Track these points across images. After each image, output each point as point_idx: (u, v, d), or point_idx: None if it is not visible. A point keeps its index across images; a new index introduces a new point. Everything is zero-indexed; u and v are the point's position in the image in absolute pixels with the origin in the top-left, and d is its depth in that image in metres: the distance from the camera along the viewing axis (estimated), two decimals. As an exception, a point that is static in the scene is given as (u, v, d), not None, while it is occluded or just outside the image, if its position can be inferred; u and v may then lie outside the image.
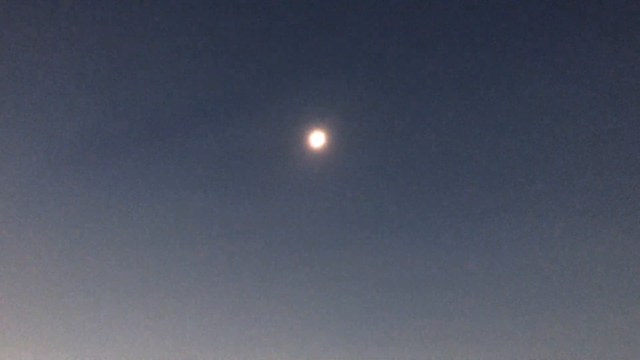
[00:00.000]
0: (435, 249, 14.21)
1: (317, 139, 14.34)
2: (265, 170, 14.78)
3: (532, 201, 14.05)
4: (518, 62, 14.30)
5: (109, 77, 14.60)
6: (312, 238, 14.66)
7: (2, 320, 13.59)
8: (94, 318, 13.89)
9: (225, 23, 14.69)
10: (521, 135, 14.29)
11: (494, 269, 13.81)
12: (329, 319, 14.00)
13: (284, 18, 14.69)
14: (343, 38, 14.73)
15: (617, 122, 13.64)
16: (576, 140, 13.93)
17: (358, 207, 14.63)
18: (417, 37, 14.65)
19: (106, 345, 13.54)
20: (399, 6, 14.48)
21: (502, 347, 12.97)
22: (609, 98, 13.75)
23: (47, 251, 14.36)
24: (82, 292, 14.09)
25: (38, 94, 14.35)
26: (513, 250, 13.89)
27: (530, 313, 13.29)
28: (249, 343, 13.77)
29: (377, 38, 14.69)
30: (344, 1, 14.55)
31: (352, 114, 14.54)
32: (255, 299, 14.31)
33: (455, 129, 14.55)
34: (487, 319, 13.44)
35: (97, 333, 13.73)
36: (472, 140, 14.52)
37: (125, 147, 14.90)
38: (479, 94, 14.40)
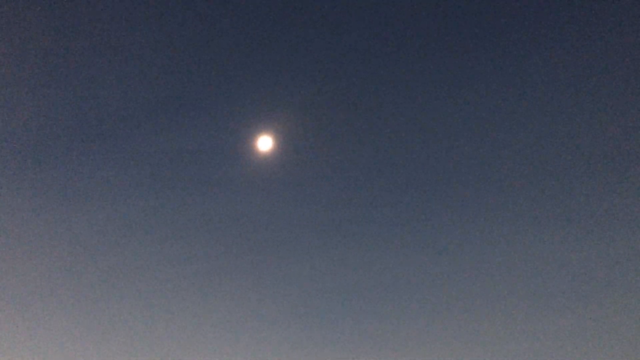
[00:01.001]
0: (384, 251, 13.99)
1: (265, 143, 13.90)
2: (211, 173, 14.30)
3: (491, 203, 13.93)
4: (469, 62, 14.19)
5: (40, 76, 13.87)
6: (259, 243, 14.26)
7: None
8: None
9: (169, 19, 14.15)
10: (477, 136, 14.17)
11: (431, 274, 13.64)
12: (279, 326, 13.66)
13: (231, 16, 14.25)
14: (294, 39, 14.39)
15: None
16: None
17: (307, 211, 14.28)
18: (370, 35, 14.39)
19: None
20: (349, 5, 14.20)
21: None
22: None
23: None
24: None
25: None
26: (457, 253, 13.75)
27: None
28: (177, 348, 13.27)
29: (329, 38, 14.38)
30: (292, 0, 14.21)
31: (302, 118, 14.20)
32: (200, 305, 13.82)
33: (406, 130, 14.31)
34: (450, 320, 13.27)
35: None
36: (424, 140, 14.31)
37: (62, 149, 14.19)
38: (433, 92, 14.22)
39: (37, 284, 13.52)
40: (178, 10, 14.21)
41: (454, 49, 14.34)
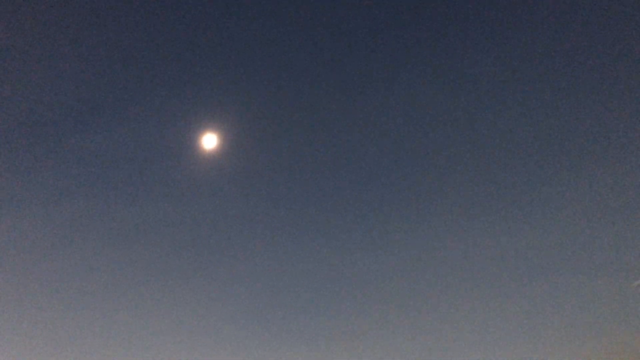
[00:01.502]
0: (327, 247, 14.26)
1: (210, 141, 13.96)
2: (155, 172, 14.16)
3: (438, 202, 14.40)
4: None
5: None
6: (204, 240, 14.22)
7: None
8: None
9: (109, 15, 13.97)
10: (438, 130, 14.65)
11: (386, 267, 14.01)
12: (224, 327, 13.61)
13: (173, 13, 14.23)
14: (239, 38, 14.49)
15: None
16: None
17: (253, 207, 14.38)
18: (313, 34, 14.69)
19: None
20: (292, 4, 14.45)
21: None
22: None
23: None
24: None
25: None
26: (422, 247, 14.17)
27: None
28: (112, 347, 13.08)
29: (272, 38, 14.58)
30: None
31: (246, 115, 14.31)
32: (140, 306, 13.64)
33: (351, 126, 14.68)
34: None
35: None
36: (368, 134, 14.70)
37: (4, 145, 13.74)
38: (377, 90, 14.63)
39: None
40: (120, 6, 14.05)
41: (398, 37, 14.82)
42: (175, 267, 14.14)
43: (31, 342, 12.86)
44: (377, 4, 14.71)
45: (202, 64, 14.31)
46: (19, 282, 13.27)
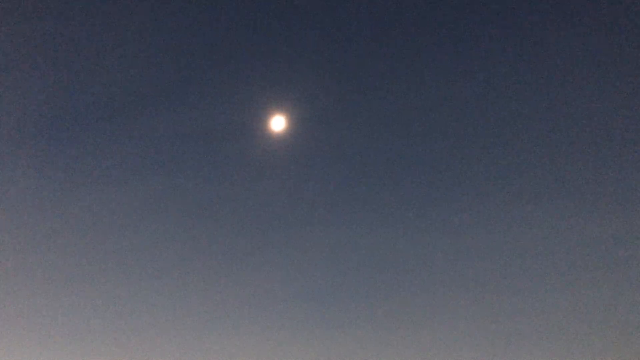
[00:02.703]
0: (398, 232, 14.17)
1: (278, 123, 14.03)
2: (225, 153, 14.47)
3: (513, 197, 14.07)
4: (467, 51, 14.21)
5: (52, 56, 14.01)
6: (272, 222, 14.44)
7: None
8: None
9: (183, 3, 14.20)
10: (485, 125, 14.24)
11: (452, 251, 13.81)
12: (293, 305, 13.87)
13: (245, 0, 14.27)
14: (307, 22, 14.42)
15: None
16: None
17: (319, 192, 14.45)
18: (383, 20, 14.41)
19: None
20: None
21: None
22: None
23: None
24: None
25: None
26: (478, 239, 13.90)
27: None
28: (208, 332, 13.53)
29: (340, 21, 14.41)
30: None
31: (314, 99, 14.30)
32: (216, 284, 14.06)
33: (421, 113, 14.42)
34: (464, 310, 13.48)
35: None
36: (438, 126, 14.41)
37: (79, 128, 14.36)
38: (446, 82, 14.29)
39: (54, 260, 13.80)
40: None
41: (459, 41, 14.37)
42: (240, 246, 14.44)
43: (114, 309, 13.54)
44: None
45: (274, 46, 14.32)
46: (91, 262, 13.92)
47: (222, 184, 14.49)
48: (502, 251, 13.68)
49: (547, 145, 14.05)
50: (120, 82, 14.44)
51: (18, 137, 14.10)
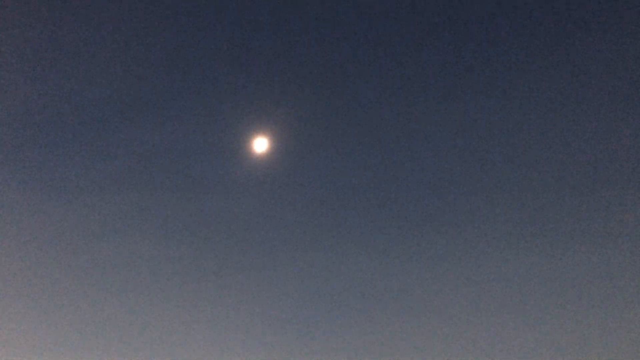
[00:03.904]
0: (379, 258, 14.02)
1: (261, 144, 13.87)
2: (205, 172, 14.25)
3: (489, 209, 13.98)
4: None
5: (34, 69, 13.74)
6: (251, 244, 14.21)
7: None
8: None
9: (167, 15, 14.07)
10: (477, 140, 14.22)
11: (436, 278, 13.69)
12: (268, 329, 13.61)
13: (228, 15, 14.19)
14: (291, 39, 14.36)
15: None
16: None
17: (302, 213, 14.28)
18: (368, 41, 14.40)
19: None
20: (347, 7, 14.19)
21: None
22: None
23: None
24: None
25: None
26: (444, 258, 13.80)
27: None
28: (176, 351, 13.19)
29: (325, 42, 14.38)
30: (289, 1, 14.17)
31: (298, 120, 14.17)
32: (185, 305, 13.73)
33: (408, 137, 14.34)
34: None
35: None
36: (421, 144, 14.34)
37: (47, 143, 14.05)
38: (431, 96, 14.25)
39: (23, 281, 13.40)
40: (176, 7, 14.14)
41: (452, 52, 14.41)
42: (218, 264, 14.19)
43: (88, 334, 13.17)
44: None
45: (258, 66, 14.21)
46: (71, 272, 13.57)
47: (201, 203, 14.25)
48: (491, 281, 13.60)
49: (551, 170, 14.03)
50: (103, 95, 14.21)
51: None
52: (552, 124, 13.95)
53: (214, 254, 14.03)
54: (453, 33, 14.18)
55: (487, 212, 13.92)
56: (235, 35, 14.26)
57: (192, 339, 13.30)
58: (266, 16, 14.28)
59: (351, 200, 14.29)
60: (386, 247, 13.99)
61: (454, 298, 13.54)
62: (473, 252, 13.81)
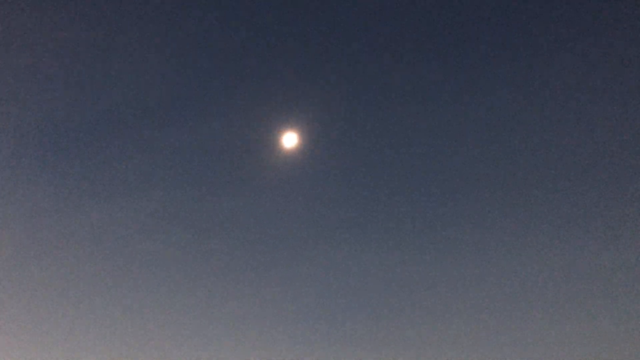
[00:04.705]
0: (410, 252, 13.95)
1: (290, 140, 13.96)
2: (236, 168, 14.40)
3: (522, 204, 13.84)
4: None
5: (70, 70, 14.09)
6: (281, 239, 14.30)
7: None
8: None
9: (199, 18, 14.28)
10: (501, 136, 14.08)
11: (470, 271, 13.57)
12: (299, 323, 13.68)
13: (258, 14, 14.33)
14: (320, 37, 14.43)
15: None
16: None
17: (330, 209, 14.31)
18: (397, 36, 14.38)
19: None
20: (376, 6, 14.21)
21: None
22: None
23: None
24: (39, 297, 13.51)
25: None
26: (499, 253, 13.65)
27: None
28: (213, 345, 13.35)
29: (353, 36, 14.40)
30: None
31: (327, 116, 14.22)
32: (222, 299, 13.89)
33: (433, 128, 14.28)
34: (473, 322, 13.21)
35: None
36: (450, 140, 14.26)
37: (89, 145, 14.38)
38: (457, 94, 14.17)
39: (53, 280, 13.74)
40: (205, 6, 14.35)
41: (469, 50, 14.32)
42: (248, 262, 14.29)
43: (116, 336, 13.41)
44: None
45: (287, 62, 14.31)
46: (101, 274, 13.82)
47: (232, 200, 14.40)
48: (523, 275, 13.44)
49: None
50: (134, 96, 14.49)
51: (26, 147, 14.15)
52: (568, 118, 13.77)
53: (245, 250, 14.18)
54: (477, 30, 14.09)
55: (513, 207, 13.79)
56: (264, 32, 14.40)
57: (224, 333, 13.46)
58: (295, 13, 14.40)
59: (381, 195, 14.29)
60: (417, 242, 13.94)
61: (480, 293, 13.43)
62: (499, 248, 13.69)
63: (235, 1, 14.37)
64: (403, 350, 13.08)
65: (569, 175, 13.63)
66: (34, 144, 14.21)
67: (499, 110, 14.08)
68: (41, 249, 13.87)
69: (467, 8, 14.18)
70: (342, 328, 13.57)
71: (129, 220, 14.27)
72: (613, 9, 13.41)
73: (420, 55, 14.33)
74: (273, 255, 14.12)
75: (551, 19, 13.75)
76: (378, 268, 14.00)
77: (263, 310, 13.67)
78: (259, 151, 14.11)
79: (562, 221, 13.52)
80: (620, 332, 12.36)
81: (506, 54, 14.03)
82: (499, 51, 14.03)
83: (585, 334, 12.52)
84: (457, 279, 13.68)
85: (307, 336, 13.51)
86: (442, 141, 14.29)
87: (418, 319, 13.46)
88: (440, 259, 13.92)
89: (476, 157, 14.08)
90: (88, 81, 14.26)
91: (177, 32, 14.34)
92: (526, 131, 13.99)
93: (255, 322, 13.67)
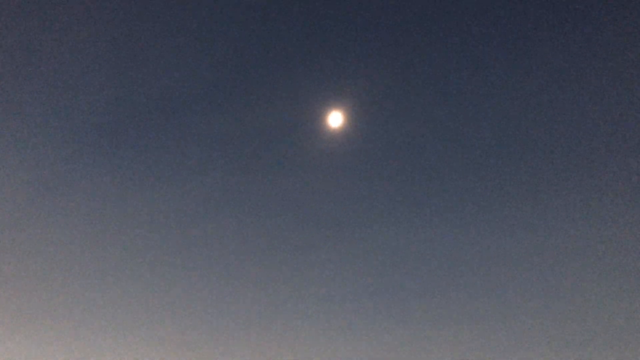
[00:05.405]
0: (455, 231, 13.84)
1: (335, 119, 14.07)
2: (283, 149, 14.65)
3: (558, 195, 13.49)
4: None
5: (117, 56, 14.66)
6: (330, 219, 14.50)
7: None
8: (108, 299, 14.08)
9: (242, 2, 14.50)
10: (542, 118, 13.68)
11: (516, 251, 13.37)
12: (348, 302, 13.86)
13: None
14: (364, 15, 14.35)
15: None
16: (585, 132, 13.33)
17: (377, 187, 14.35)
18: (442, 13, 14.13)
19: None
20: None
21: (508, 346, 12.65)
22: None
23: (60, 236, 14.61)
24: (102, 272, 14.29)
25: (41, 82, 14.54)
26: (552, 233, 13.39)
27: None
28: (264, 321, 13.76)
29: (399, 15, 14.25)
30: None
31: (372, 94, 14.21)
32: (272, 278, 14.26)
33: (479, 108, 14.02)
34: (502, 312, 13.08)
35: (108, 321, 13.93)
36: (499, 120, 13.97)
37: (136, 131, 14.96)
38: (504, 73, 13.82)
39: (115, 262, 14.49)
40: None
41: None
42: (297, 242, 14.56)
43: (178, 307, 14.01)
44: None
45: (331, 41, 14.34)
46: (155, 256, 14.38)
47: (280, 181, 14.70)
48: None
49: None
50: (183, 82, 14.94)
51: (81, 134, 14.88)
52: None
53: (294, 230, 14.48)
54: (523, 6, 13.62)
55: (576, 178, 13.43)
56: (308, 12, 14.47)
57: (285, 309, 13.87)
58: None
59: (426, 171, 14.22)
60: (465, 217, 13.82)
61: (534, 267, 13.21)
62: (556, 223, 13.38)
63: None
64: (456, 325, 13.11)
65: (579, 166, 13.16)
66: (91, 131, 14.95)
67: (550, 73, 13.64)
68: (103, 231, 14.65)
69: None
70: (396, 306, 13.68)
71: (184, 204, 14.83)
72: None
73: (473, 30, 14.04)
74: (322, 235, 14.38)
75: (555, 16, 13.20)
76: (430, 247, 13.99)
77: (316, 291, 13.98)
78: (305, 132, 14.31)
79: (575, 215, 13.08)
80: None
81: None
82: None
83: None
84: (512, 255, 13.52)
85: (358, 316, 13.71)
86: (497, 115, 14.02)
87: (470, 295, 13.41)
88: (492, 234, 13.76)
89: (535, 128, 13.75)
90: (143, 72, 14.83)
91: (222, 19, 14.64)
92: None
93: (306, 303, 13.99)
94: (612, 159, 13.29)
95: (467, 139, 14.11)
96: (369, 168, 14.36)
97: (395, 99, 14.34)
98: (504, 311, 13.06)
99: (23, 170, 14.41)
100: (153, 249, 14.50)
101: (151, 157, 14.87)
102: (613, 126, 13.39)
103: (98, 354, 13.22)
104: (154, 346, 13.41)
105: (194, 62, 14.78)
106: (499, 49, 13.98)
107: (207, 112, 14.92)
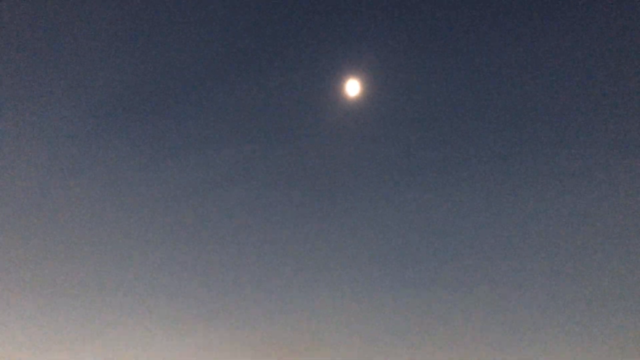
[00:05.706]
0: (472, 199, 13.90)
1: (353, 87, 14.03)
2: (301, 118, 14.72)
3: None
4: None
5: (133, 30, 14.73)
6: (348, 187, 14.66)
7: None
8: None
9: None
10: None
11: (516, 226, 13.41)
12: (362, 268, 14.15)
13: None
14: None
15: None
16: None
17: (393, 156, 14.41)
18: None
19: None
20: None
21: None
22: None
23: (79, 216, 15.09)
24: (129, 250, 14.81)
25: (64, 56, 14.72)
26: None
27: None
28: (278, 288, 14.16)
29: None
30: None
31: (388, 62, 14.08)
32: (290, 247, 14.58)
33: (503, 74, 13.80)
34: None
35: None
36: (521, 89, 13.76)
37: (155, 103, 15.13)
38: (526, 41, 13.50)
39: (141, 232, 14.96)
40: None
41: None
42: (315, 210, 14.80)
43: (197, 276, 14.48)
44: None
45: (347, 8, 14.15)
46: (180, 224, 14.76)
47: (298, 150, 14.85)
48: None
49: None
50: (200, 53, 15.00)
51: (107, 107, 15.16)
52: None
53: (313, 199, 14.72)
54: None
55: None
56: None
57: (301, 278, 14.28)
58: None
59: (444, 140, 14.18)
60: (485, 186, 13.84)
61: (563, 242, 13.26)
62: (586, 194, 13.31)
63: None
64: (489, 290, 13.34)
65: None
66: (117, 105, 15.22)
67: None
68: (128, 202, 15.10)
69: None
70: (418, 272, 13.90)
71: (202, 175, 15.11)
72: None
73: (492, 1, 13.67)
74: (339, 203, 14.58)
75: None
76: (448, 214, 14.11)
77: (336, 258, 14.31)
78: (323, 101, 14.33)
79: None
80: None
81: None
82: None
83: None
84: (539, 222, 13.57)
85: (379, 282, 14.01)
86: (515, 86, 13.81)
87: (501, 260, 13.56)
88: (518, 202, 13.78)
89: (557, 98, 13.53)
90: (161, 41, 14.92)
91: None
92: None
93: (327, 269, 14.33)
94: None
95: (485, 108, 13.98)
96: (386, 136, 14.40)
97: (413, 66, 14.20)
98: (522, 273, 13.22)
99: (42, 147, 14.85)
100: (173, 221, 14.92)
101: (169, 129, 15.13)
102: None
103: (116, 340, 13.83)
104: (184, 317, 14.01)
105: (211, 32, 14.81)
106: (522, 16, 13.62)
107: (224, 83, 15.04)
